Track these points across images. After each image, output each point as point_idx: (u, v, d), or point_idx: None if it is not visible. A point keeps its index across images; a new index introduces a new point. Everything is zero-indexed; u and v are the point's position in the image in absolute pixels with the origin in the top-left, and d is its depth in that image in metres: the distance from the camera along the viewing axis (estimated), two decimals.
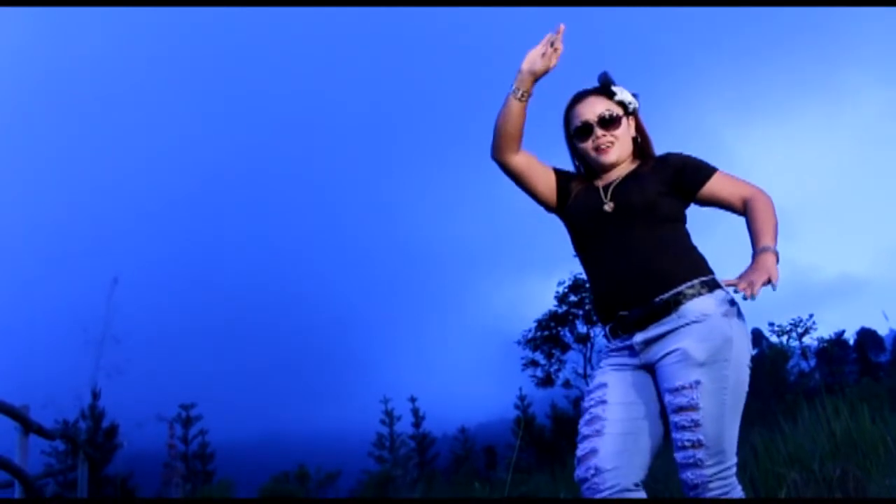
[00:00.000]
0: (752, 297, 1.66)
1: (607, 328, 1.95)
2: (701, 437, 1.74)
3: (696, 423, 1.74)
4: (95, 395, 16.46)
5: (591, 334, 17.08)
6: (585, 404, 1.92)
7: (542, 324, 17.51)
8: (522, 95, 1.95)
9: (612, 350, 1.95)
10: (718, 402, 1.75)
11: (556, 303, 17.31)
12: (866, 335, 32.08)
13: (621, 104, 2.02)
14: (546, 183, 2.06)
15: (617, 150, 2.00)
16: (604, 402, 1.88)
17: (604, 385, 1.90)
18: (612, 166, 2.01)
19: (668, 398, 1.80)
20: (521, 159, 2.03)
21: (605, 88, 2.03)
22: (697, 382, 1.75)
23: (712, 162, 2.01)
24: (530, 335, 17.70)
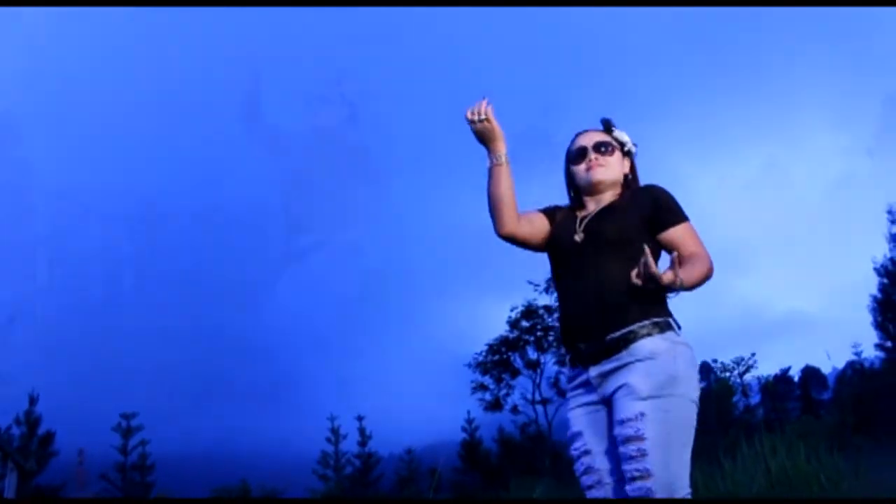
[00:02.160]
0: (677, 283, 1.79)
1: (567, 357, 2.02)
2: (648, 467, 1.78)
3: (643, 453, 1.79)
4: (32, 401, 15.98)
5: (541, 361, 17.15)
6: (573, 453, 2.01)
7: (492, 348, 17.52)
8: (498, 159, 2.06)
9: (575, 386, 2.01)
10: (664, 432, 1.81)
11: (508, 328, 17.35)
12: (810, 373, 32.66)
13: (618, 141, 2.15)
14: (545, 232, 2.14)
15: (606, 172, 2.09)
16: (588, 451, 1.96)
17: (580, 434, 1.99)
18: (600, 185, 2.10)
19: (616, 430, 1.86)
20: (525, 227, 2.11)
21: (605, 127, 2.16)
22: (642, 414, 1.81)
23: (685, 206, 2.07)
24: (480, 358, 17.68)
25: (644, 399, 1.83)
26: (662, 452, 1.80)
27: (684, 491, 1.83)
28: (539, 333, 16.32)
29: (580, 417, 2.00)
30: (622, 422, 1.84)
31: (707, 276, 1.92)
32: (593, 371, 1.94)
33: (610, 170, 2.10)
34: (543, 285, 15.56)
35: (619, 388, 1.88)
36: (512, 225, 2.08)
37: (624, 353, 1.89)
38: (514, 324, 17.27)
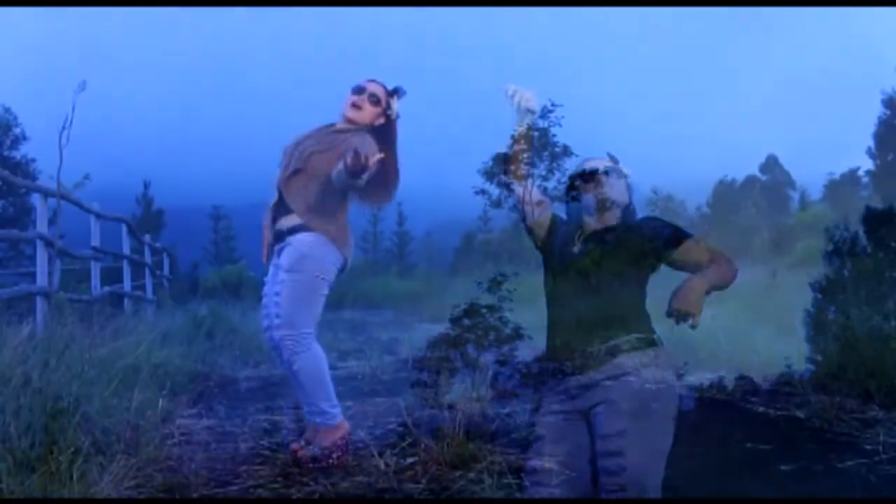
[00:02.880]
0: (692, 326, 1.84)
1: (551, 366, 2.12)
2: (625, 483, 1.87)
3: (623, 468, 1.87)
4: None
5: (481, 360, 17.14)
6: (535, 449, 2.08)
7: (432, 345, 17.47)
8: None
9: (556, 392, 2.10)
10: (645, 450, 1.90)
11: (449, 325, 17.29)
12: (744, 383, 33.52)
13: (623, 172, 2.28)
14: (541, 227, 2.31)
15: (614, 193, 2.21)
16: (553, 453, 2.02)
17: (542, 439, 2.07)
18: (606, 204, 2.20)
19: (598, 444, 1.95)
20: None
21: (611, 159, 2.28)
22: (624, 431, 1.90)
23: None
24: (421, 355, 17.64)
25: (628, 415, 1.90)
26: (641, 467, 1.87)
27: (657, 493, 1.90)
28: (480, 332, 16.35)
29: (553, 421, 2.07)
30: (604, 437, 1.92)
31: (733, 271, 2.01)
32: (573, 382, 2.02)
33: (617, 192, 2.21)
34: (486, 284, 15.60)
35: (601, 402, 1.96)
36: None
37: (608, 366, 1.97)
38: (455, 321, 17.24)
